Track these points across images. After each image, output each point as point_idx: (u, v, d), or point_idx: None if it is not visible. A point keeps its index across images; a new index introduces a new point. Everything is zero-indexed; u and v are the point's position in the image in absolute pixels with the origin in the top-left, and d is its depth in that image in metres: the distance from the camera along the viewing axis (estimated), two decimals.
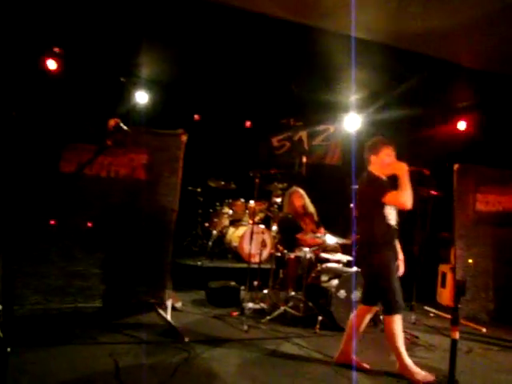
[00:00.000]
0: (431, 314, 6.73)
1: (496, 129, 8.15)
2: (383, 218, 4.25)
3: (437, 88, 7.43)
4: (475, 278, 6.75)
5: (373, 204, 4.27)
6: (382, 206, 4.23)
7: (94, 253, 5.10)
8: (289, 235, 6.46)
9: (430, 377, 4.05)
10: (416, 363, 4.23)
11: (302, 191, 6.76)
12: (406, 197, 4.13)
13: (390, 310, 4.16)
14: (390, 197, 4.17)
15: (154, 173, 5.31)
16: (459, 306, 6.17)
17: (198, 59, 7.23)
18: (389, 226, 4.29)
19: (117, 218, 5.15)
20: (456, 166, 6.77)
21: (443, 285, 7.52)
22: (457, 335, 2.28)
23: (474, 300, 6.69)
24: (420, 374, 4.07)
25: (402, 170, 4.25)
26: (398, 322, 4.14)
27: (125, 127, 3.07)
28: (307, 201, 6.78)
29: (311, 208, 6.79)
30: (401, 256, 4.57)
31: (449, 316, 6.34)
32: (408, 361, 4.16)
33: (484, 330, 6.07)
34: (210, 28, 6.25)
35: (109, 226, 5.14)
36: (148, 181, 5.27)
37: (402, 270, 4.57)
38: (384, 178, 4.39)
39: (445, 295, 7.35)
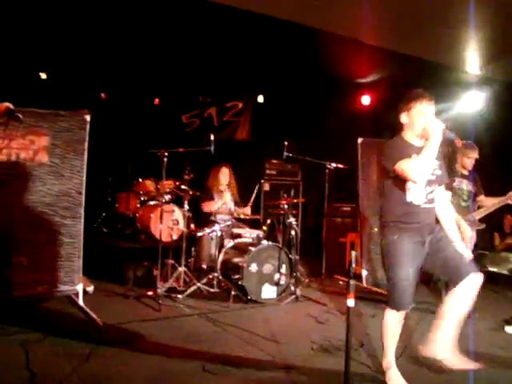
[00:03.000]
0: (340, 282, 7.05)
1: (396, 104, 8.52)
2: (397, 192, 3.52)
3: (340, 63, 7.63)
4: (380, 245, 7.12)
5: (383, 175, 3.62)
6: (394, 177, 3.48)
7: None
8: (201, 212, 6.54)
9: None
10: (327, 329, 4.45)
11: (227, 169, 6.81)
12: (413, 167, 3.31)
13: (388, 302, 3.65)
14: (399, 166, 3.37)
15: (58, 155, 5.12)
16: (367, 272, 6.62)
17: (103, 36, 6.99)
18: (407, 203, 3.50)
19: (19, 203, 4.95)
20: (360, 140, 7.08)
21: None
22: (352, 302, 2.43)
23: (380, 267, 7.06)
24: None
25: (434, 130, 3.38)
26: (391, 319, 3.65)
27: (18, 113, 2.96)
28: (232, 179, 6.85)
29: (234, 187, 6.88)
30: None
31: (357, 283, 6.72)
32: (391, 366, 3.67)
33: None
34: (114, 2, 6.05)
35: (11, 211, 4.93)
36: (51, 163, 5.08)
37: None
38: (413, 143, 3.58)
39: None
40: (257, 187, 6.66)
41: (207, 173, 6.90)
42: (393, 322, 3.64)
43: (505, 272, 7.12)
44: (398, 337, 3.70)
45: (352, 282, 2.52)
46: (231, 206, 6.72)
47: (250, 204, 6.71)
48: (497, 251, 7.48)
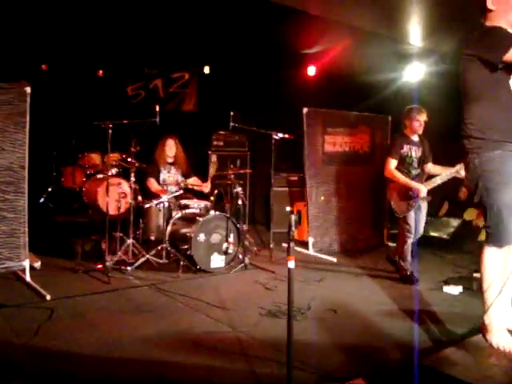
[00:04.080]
0: None
1: (341, 75, 8.65)
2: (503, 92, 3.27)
3: (286, 34, 7.64)
4: (327, 213, 7.33)
5: (477, 73, 3.28)
6: (501, 71, 3.19)
7: None
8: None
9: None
10: (275, 296, 4.59)
11: (173, 141, 6.81)
12: None
13: (487, 238, 3.38)
14: None
15: None
16: (314, 239, 6.79)
17: (43, 2, 6.74)
18: None
19: None
20: (305, 110, 7.18)
21: (299, 222, 8.03)
22: (292, 264, 2.54)
23: (327, 234, 7.29)
24: None
25: None
26: (493, 258, 3.32)
27: None
28: (179, 151, 6.84)
29: (182, 158, 6.87)
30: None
31: (305, 250, 6.91)
32: None
33: (335, 260, 6.67)
34: None
35: None
36: None
37: None
38: None
39: (300, 231, 7.87)
40: (212, 163, 6.76)
41: (154, 146, 6.87)
42: (495, 261, 3.27)
43: (445, 237, 7.45)
44: (503, 282, 3.25)
45: (292, 244, 2.61)
46: (178, 177, 6.74)
47: (209, 180, 6.78)
48: (438, 217, 7.80)
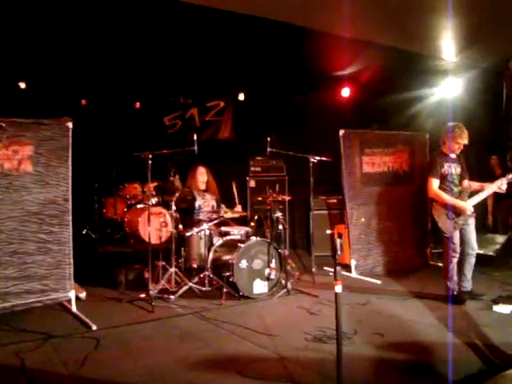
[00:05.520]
0: (331, 274, 7.09)
1: (376, 94, 8.62)
2: None
3: (318, 57, 7.68)
4: (368, 235, 7.22)
5: None
6: None
7: None
8: (187, 213, 6.57)
9: None
10: (320, 320, 4.52)
11: (204, 169, 6.84)
12: None
13: None
14: None
15: (42, 164, 5.13)
16: (356, 262, 6.70)
17: (80, 42, 6.97)
18: None
19: (7, 214, 4.94)
20: (341, 132, 7.15)
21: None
22: (339, 288, 2.49)
23: (369, 256, 7.17)
24: None
25: None
26: None
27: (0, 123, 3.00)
28: (210, 178, 6.87)
29: (214, 186, 6.90)
30: None
31: (347, 273, 6.81)
32: None
33: (379, 282, 6.55)
34: (91, 7, 6.03)
35: (0, 223, 4.93)
36: (36, 172, 5.09)
37: None
38: None
39: (342, 254, 7.76)
40: (234, 185, 6.78)
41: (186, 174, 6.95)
42: None
43: (491, 253, 7.24)
44: None
45: (338, 268, 2.57)
46: (213, 203, 6.73)
47: (237, 202, 6.78)
48: (484, 234, 7.61)
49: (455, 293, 5.45)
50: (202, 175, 6.79)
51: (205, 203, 6.65)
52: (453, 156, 5.59)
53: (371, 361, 3.90)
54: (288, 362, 3.86)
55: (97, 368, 3.78)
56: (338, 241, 2.49)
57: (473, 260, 5.49)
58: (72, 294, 5.21)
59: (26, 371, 3.70)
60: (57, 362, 3.89)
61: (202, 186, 6.80)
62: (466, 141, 5.46)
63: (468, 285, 5.53)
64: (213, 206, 6.69)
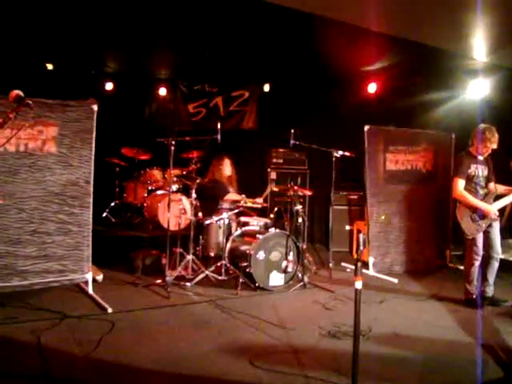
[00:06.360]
0: (348, 270, 7.05)
1: (402, 91, 8.51)
2: None
3: (346, 51, 7.59)
4: (388, 233, 7.14)
5: None
6: None
7: (6, 230, 4.93)
8: (210, 200, 6.56)
9: None
10: (335, 316, 4.48)
11: (229, 160, 6.89)
12: None
13: None
14: None
15: (66, 145, 5.16)
16: (374, 259, 6.64)
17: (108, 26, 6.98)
18: None
19: (29, 193, 4.99)
20: (366, 128, 7.07)
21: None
22: (359, 284, 2.45)
23: (388, 254, 7.09)
24: None
25: None
26: None
27: (28, 100, 3.00)
28: (233, 172, 6.92)
29: (235, 179, 6.95)
30: None
31: (365, 271, 6.74)
32: None
33: (396, 281, 6.48)
34: None
35: (22, 202, 4.98)
36: (60, 153, 5.12)
37: None
38: None
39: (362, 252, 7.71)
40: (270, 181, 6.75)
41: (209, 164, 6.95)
42: None
43: (511, 259, 7.13)
44: None
45: (359, 264, 2.53)
46: (233, 196, 6.73)
47: (263, 197, 6.79)
48: (504, 239, 7.47)
49: (474, 297, 5.36)
50: (227, 167, 6.83)
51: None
52: (480, 158, 5.49)
53: (385, 358, 3.86)
54: (301, 355, 3.84)
55: (110, 350, 3.80)
56: (362, 236, 2.45)
57: (496, 264, 5.40)
58: (89, 276, 5.25)
59: (42, 349, 3.73)
60: (72, 342, 3.91)
61: (225, 180, 6.81)
62: (495, 145, 5.35)
63: (490, 290, 5.44)
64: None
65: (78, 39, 7.39)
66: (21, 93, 3.25)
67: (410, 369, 3.69)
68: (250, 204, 6.46)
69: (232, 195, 6.62)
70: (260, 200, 6.75)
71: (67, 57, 8.31)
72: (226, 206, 6.51)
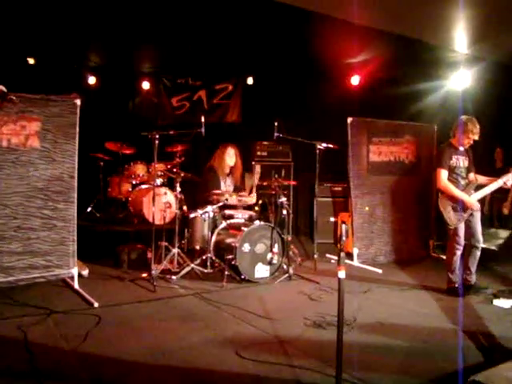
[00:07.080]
0: (332, 261, 7.11)
1: (385, 83, 8.58)
2: None
3: (330, 44, 7.62)
4: (372, 224, 7.22)
5: None
6: None
7: None
8: (200, 192, 6.51)
9: None
10: (320, 306, 4.53)
11: (234, 150, 6.62)
12: None
13: None
14: None
15: (49, 140, 5.13)
16: (359, 250, 6.71)
17: (93, 19, 6.93)
18: None
19: (13, 189, 4.96)
20: (349, 119, 7.12)
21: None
22: (342, 274, 2.49)
23: (372, 245, 7.18)
24: None
25: None
26: None
27: (11, 95, 3.00)
28: (238, 162, 6.71)
29: (239, 170, 6.77)
30: None
31: (349, 261, 6.82)
32: None
33: (380, 271, 6.56)
34: None
35: (6, 198, 4.94)
36: (43, 148, 5.10)
37: None
38: None
39: (345, 243, 7.76)
40: (256, 173, 6.70)
41: (212, 154, 6.75)
42: None
43: (494, 248, 7.24)
44: None
45: (342, 254, 2.57)
46: (230, 189, 6.64)
47: (253, 193, 6.77)
48: (487, 228, 7.59)
49: (457, 285, 5.46)
50: (230, 157, 6.60)
51: (226, 188, 6.58)
52: (461, 149, 5.56)
53: (370, 347, 3.92)
54: (287, 346, 3.88)
55: (98, 344, 3.81)
56: (344, 226, 2.49)
57: (478, 253, 5.49)
58: (75, 271, 5.25)
59: (28, 344, 3.73)
60: (58, 337, 3.92)
61: (227, 169, 6.66)
62: (476, 136, 5.42)
63: (472, 278, 5.53)
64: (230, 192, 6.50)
65: (60, 33, 7.33)
66: (3, 88, 3.24)
67: (394, 356, 3.74)
68: (234, 200, 6.43)
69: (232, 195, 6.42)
70: (253, 195, 6.70)
71: (49, 51, 8.23)
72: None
